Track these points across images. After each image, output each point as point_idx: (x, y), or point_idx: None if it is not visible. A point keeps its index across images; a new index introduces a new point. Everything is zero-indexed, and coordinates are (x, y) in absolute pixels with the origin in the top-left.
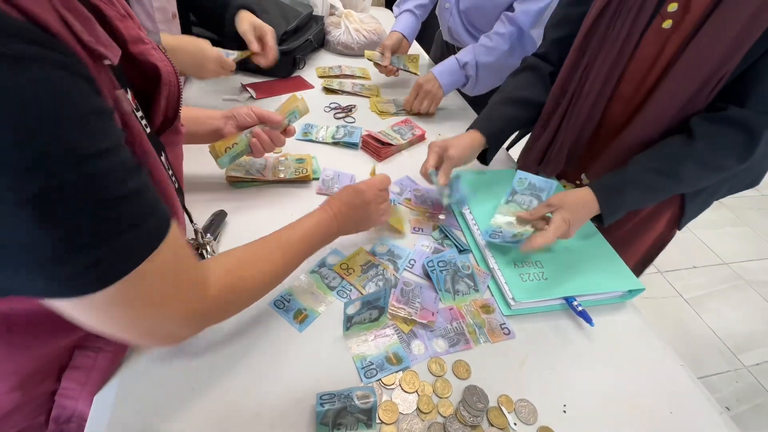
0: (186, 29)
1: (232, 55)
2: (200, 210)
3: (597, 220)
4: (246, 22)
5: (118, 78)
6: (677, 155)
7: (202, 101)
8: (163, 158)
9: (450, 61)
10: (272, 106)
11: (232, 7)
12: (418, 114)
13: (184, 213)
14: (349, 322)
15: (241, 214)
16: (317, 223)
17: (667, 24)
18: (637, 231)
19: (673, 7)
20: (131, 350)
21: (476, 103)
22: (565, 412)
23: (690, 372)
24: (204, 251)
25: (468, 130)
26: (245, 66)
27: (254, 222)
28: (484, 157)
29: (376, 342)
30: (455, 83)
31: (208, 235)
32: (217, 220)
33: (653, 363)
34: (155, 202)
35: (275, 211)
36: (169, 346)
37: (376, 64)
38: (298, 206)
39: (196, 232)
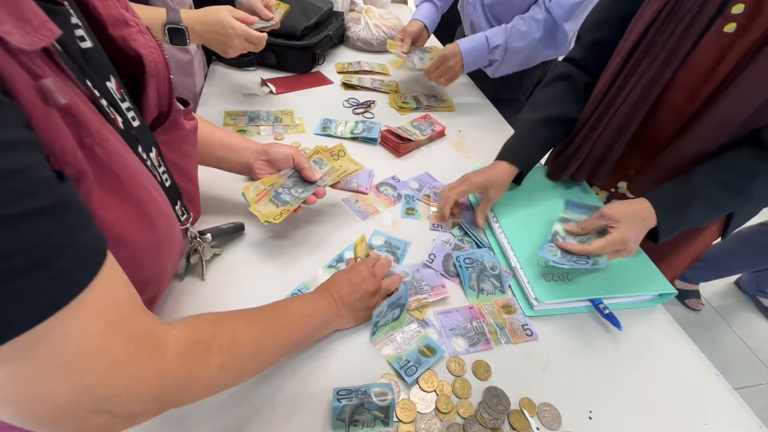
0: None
1: (259, 24)
2: (223, 216)
3: (650, 236)
4: None
5: (88, 63)
6: (748, 170)
7: (222, 96)
8: (153, 155)
9: (479, 40)
10: (292, 101)
11: None
12: (436, 103)
13: (175, 214)
14: (375, 327)
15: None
16: (324, 308)
17: (730, 27)
18: (676, 244)
19: (738, 8)
20: None
21: (495, 99)
22: (590, 418)
23: (726, 382)
24: (191, 253)
25: (499, 159)
26: (265, 61)
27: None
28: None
29: (405, 339)
30: (478, 64)
31: (207, 235)
32: (229, 230)
33: (686, 371)
34: (77, 228)
35: None
36: None
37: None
38: (319, 201)
39: (186, 231)
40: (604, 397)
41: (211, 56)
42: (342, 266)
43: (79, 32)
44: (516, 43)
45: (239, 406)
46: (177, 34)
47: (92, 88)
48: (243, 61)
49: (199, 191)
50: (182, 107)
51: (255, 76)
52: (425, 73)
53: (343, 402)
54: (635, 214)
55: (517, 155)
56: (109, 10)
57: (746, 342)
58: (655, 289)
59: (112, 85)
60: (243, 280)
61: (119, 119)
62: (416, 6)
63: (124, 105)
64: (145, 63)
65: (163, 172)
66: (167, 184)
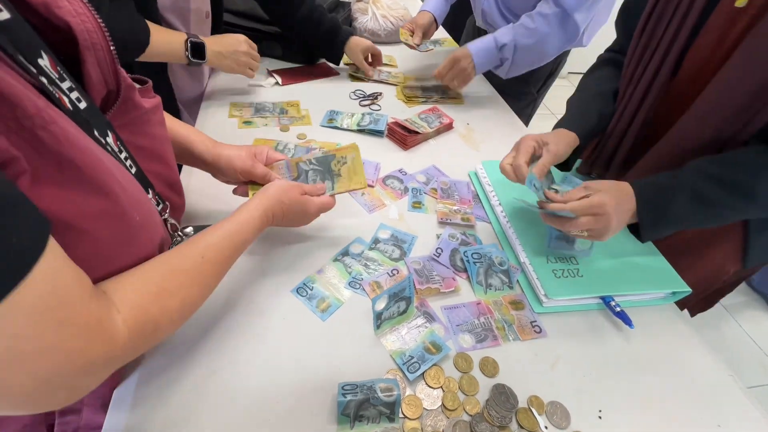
0: (216, 28)
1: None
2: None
3: (634, 233)
4: (358, 49)
5: (10, 38)
6: (749, 165)
7: (227, 87)
8: (110, 139)
9: (487, 41)
10: (298, 92)
11: (344, 33)
12: (445, 95)
13: (152, 203)
14: (379, 320)
15: None
16: (247, 226)
17: (742, 2)
18: (683, 256)
19: None
20: None
21: (505, 91)
22: (600, 417)
23: (740, 383)
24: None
25: (556, 128)
26: (271, 52)
27: None
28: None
29: (411, 334)
30: (489, 64)
31: (189, 228)
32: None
33: (698, 371)
34: (19, 214)
35: None
36: (64, 405)
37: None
38: None
39: (165, 221)
40: (614, 396)
41: None
42: (348, 260)
43: None
44: (525, 40)
45: (241, 399)
46: (197, 49)
47: (26, 64)
48: None
49: (178, 175)
50: (137, 85)
51: (261, 67)
52: (437, 77)
53: (348, 397)
54: (617, 189)
55: (571, 121)
56: None
57: (756, 341)
58: (668, 286)
59: (45, 62)
60: (247, 273)
61: (65, 99)
62: None
63: (65, 85)
64: (76, 33)
65: (126, 159)
66: (132, 171)
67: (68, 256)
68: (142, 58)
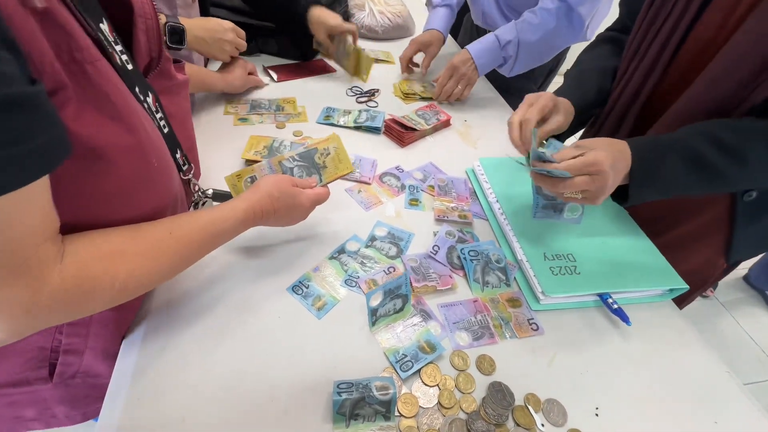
0: (204, 13)
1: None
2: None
3: (620, 197)
4: (321, 27)
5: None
6: (745, 129)
7: None
8: (149, 99)
9: (489, 39)
10: (294, 89)
11: (302, 2)
12: (447, 100)
13: (176, 163)
14: (374, 316)
15: None
16: (229, 214)
17: None
18: (673, 252)
19: None
20: (142, 309)
21: (505, 89)
22: (597, 415)
23: (737, 379)
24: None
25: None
26: (267, 48)
27: None
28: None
29: (406, 332)
30: (492, 64)
31: (209, 190)
32: (228, 197)
33: (696, 368)
34: (27, 132)
35: None
36: None
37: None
38: None
39: (188, 182)
40: (611, 393)
41: None
42: (344, 257)
43: None
44: (528, 36)
45: (236, 398)
46: (175, 33)
47: (89, 21)
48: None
49: (197, 148)
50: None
51: (257, 63)
52: (439, 88)
53: (344, 396)
54: (612, 146)
55: (569, 93)
56: None
57: (753, 337)
58: (665, 283)
59: (105, 27)
60: (242, 271)
61: (117, 56)
62: (433, 7)
63: (117, 48)
64: (134, 5)
65: (161, 119)
66: (165, 131)
67: (52, 198)
68: None
